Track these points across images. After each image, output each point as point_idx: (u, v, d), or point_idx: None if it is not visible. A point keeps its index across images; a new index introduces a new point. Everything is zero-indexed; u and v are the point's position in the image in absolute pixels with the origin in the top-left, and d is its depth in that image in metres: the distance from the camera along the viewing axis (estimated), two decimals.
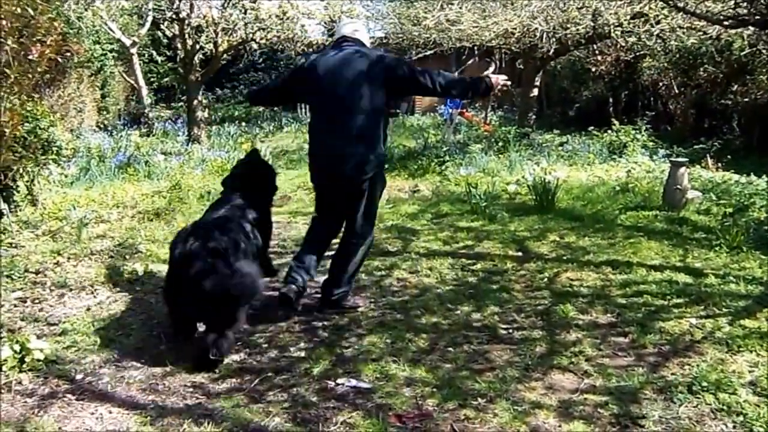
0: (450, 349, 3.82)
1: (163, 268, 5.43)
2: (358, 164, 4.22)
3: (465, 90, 4.58)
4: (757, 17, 5.87)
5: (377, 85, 4.21)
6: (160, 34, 15.64)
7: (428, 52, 13.65)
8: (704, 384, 3.23)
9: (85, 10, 12.60)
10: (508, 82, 4.40)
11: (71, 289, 4.93)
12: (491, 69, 4.53)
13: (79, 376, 3.55)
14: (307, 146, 4.66)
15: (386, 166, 4.58)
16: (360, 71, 4.20)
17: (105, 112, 17.51)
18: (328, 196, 4.50)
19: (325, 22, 14.77)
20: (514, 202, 7.81)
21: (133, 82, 16.93)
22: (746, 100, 12.81)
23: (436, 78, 4.26)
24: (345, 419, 3.05)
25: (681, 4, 7.08)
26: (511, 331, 4.07)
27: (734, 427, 2.93)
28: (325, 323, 4.29)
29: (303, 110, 22.39)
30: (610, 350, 3.74)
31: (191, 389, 3.40)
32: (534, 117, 14.36)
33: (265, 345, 3.96)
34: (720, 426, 2.94)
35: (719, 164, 9.73)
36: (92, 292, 4.92)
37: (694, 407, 3.09)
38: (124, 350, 3.90)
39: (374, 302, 4.65)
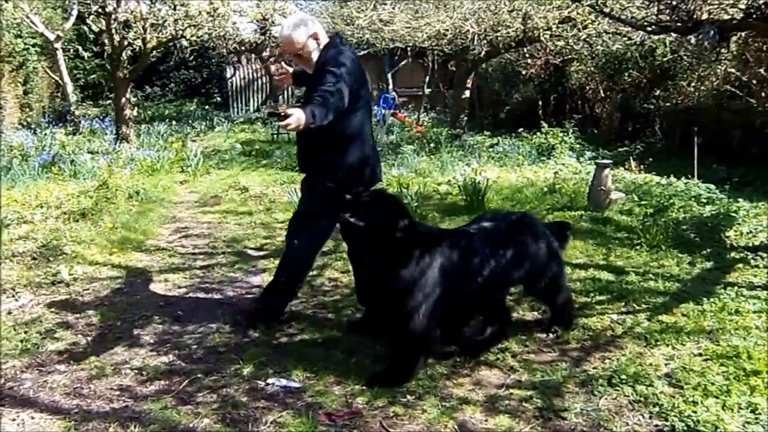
0: (380, 347, 3.86)
1: (89, 270, 5.31)
2: None
3: None
4: (679, 24, 6.06)
5: None
6: (86, 28, 15.23)
7: (362, 53, 13.69)
8: (623, 377, 3.37)
9: (6, 2, 12.13)
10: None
11: None
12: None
13: None
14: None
15: None
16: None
17: (28, 110, 16.86)
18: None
19: (257, 20, 14.62)
20: (445, 202, 7.91)
21: (57, 78, 16.33)
22: (668, 104, 13.28)
23: None
24: (275, 419, 3.05)
25: (607, 10, 7.30)
26: None
27: (650, 417, 3.05)
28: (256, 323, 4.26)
29: (235, 109, 22.14)
30: (536, 346, 3.85)
31: (118, 392, 3.34)
32: (466, 119, 14.58)
33: (195, 346, 3.92)
34: (637, 417, 3.06)
35: (642, 166, 10.05)
36: (14, 296, 4.76)
37: (613, 399, 3.21)
38: (48, 355, 3.80)
39: (305, 302, 4.65)
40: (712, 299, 4.40)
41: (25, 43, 15.71)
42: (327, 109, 3.48)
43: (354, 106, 3.78)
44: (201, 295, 4.87)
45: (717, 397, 3.14)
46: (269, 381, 3.43)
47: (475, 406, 3.16)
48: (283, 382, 3.42)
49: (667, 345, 3.78)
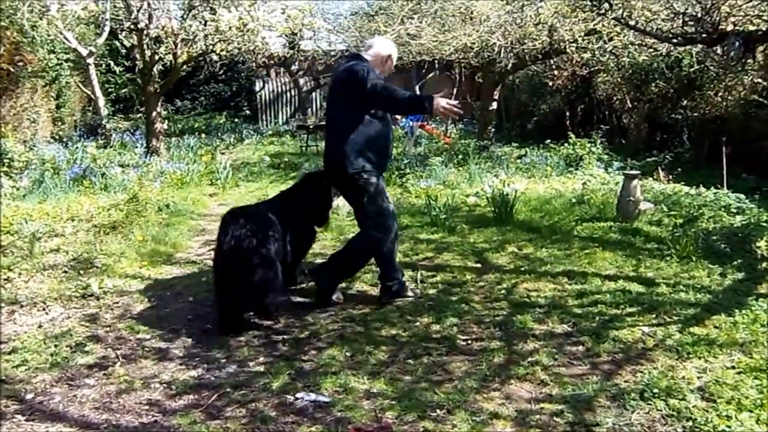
0: (409, 360, 3.84)
1: (119, 283, 5.37)
2: (337, 166, 4.71)
3: (403, 107, 4.87)
4: (704, 35, 6.03)
5: (344, 96, 4.70)
6: (117, 44, 15.52)
7: None
8: (655, 390, 3.32)
9: (40, 18, 12.39)
10: (455, 109, 4.58)
11: (22, 306, 4.83)
12: (441, 93, 4.71)
13: (29, 396, 3.48)
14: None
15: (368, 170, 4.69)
16: (334, 86, 4.97)
17: (60, 123, 17.19)
18: None
19: (285, 35, 14.77)
20: (474, 214, 7.89)
21: (89, 92, 16.64)
22: (695, 114, 13.14)
23: (381, 92, 4.49)
24: None
25: (632, 23, 7.25)
26: (469, 342, 4.11)
27: (684, 431, 3.00)
28: (285, 337, 4.27)
29: (263, 122, 22.42)
30: (566, 359, 3.81)
31: (147, 407, 3.35)
32: (493, 130, 14.56)
33: (223, 360, 3.93)
34: (670, 431, 3.01)
35: (670, 176, 9.94)
36: (44, 309, 4.82)
37: (645, 413, 3.16)
38: (77, 368, 3.83)
39: (334, 315, 4.65)
40: (744, 311, 4.32)
41: (59, 59, 16.03)
42: None
43: None
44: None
45: (751, 411, 3.08)
46: (298, 395, 3.43)
47: (505, 421, 3.13)
48: (312, 396, 3.42)
49: (700, 358, 3.72)
